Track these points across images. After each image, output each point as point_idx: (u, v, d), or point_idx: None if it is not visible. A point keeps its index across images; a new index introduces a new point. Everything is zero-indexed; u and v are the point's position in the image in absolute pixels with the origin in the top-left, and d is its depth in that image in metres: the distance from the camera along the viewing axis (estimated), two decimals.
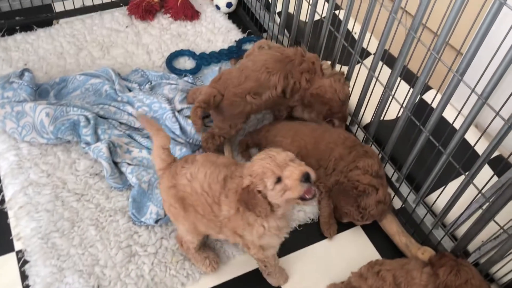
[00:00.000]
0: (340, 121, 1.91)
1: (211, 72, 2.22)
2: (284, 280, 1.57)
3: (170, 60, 2.30)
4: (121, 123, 1.94)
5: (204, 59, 2.31)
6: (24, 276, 1.52)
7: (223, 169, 1.33)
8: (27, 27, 2.41)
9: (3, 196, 1.72)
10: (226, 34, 2.51)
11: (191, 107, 1.95)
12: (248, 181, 1.23)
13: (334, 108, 1.86)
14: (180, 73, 2.23)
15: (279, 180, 1.20)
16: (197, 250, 1.52)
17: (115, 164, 1.77)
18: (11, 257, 1.57)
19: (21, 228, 1.63)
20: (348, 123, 2.05)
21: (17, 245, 1.60)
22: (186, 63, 2.33)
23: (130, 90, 2.06)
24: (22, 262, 1.56)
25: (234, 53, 2.36)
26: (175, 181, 1.35)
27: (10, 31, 2.38)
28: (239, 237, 1.36)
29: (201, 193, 1.32)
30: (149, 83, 2.09)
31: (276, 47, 1.92)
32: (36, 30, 2.40)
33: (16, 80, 1.95)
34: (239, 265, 1.61)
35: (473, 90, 1.34)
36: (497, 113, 1.27)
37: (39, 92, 2.00)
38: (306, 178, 1.20)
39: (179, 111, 1.97)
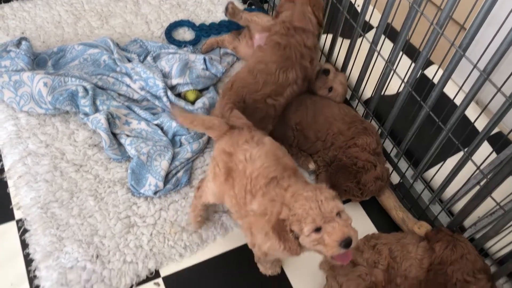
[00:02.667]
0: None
1: None
2: (272, 272, 1.54)
3: (169, 31, 2.27)
4: (119, 94, 1.93)
5: (203, 31, 2.28)
6: (24, 245, 1.54)
7: (279, 169, 1.27)
8: None
9: (2, 165, 1.72)
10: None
11: (185, 82, 1.94)
12: (285, 214, 1.14)
13: None
14: (179, 44, 2.20)
15: (318, 229, 1.10)
16: (203, 207, 1.53)
17: (114, 135, 1.77)
18: (12, 226, 1.58)
19: (20, 198, 1.64)
20: (348, 98, 2.04)
21: (17, 214, 1.61)
22: (186, 34, 2.30)
23: (129, 61, 2.04)
24: (22, 231, 1.57)
25: (234, 24, 2.32)
26: (233, 150, 1.32)
27: None
28: (251, 234, 1.27)
29: (247, 177, 1.27)
30: (151, 54, 2.06)
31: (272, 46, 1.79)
32: None
33: (14, 49, 1.93)
34: (237, 237, 1.62)
35: (475, 66, 1.33)
36: (499, 89, 1.26)
37: (37, 62, 1.98)
38: (346, 243, 1.08)
39: (174, 86, 1.96)
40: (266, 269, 1.54)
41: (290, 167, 1.31)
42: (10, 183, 1.68)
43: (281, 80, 1.70)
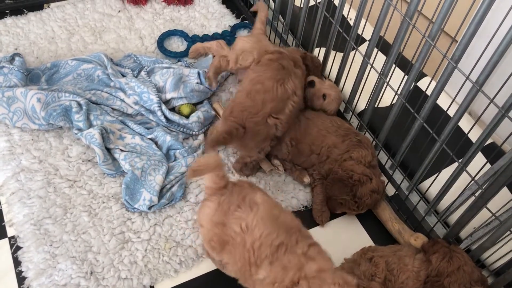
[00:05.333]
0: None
1: (204, 59, 2.20)
2: None
3: (162, 41, 2.27)
4: (113, 109, 1.92)
5: (196, 42, 2.28)
6: (17, 262, 1.51)
7: (282, 233, 1.22)
8: (17, 11, 2.37)
9: None
10: (219, 20, 2.49)
11: (180, 96, 1.94)
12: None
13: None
14: (172, 55, 2.21)
15: None
16: None
17: (108, 150, 1.76)
18: (4, 243, 1.56)
19: (13, 214, 1.62)
20: (342, 110, 2.05)
21: (10, 231, 1.59)
22: (179, 46, 2.31)
23: (123, 76, 2.04)
24: (15, 248, 1.55)
25: (227, 37, 2.34)
26: (225, 220, 1.27)
27: (0, 15, 2.34)
28: None
29: (248, 250, 1.21)
30: (145, 69, 2.07)
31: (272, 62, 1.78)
32: (26, 14, 2.36)
33: (7, 65, 1.92)
34: None
35: (467, 78, 1.34)
36: (491, 100, 1.27)
37: (30, 77, 1.98)
38: None
39: (168, 101, 1.96)
40: None
41: (293, 226, 1.27)
42: (2, 199, 1.66)
43: (280, 94, 1.64)
